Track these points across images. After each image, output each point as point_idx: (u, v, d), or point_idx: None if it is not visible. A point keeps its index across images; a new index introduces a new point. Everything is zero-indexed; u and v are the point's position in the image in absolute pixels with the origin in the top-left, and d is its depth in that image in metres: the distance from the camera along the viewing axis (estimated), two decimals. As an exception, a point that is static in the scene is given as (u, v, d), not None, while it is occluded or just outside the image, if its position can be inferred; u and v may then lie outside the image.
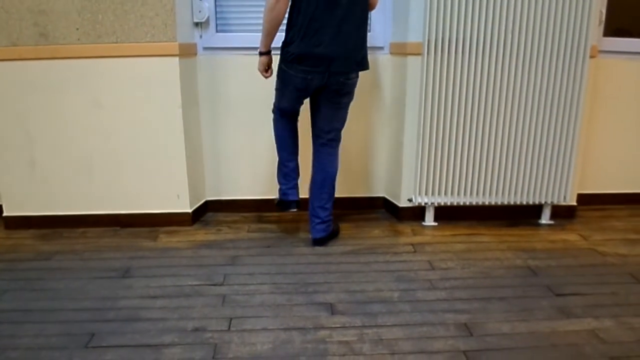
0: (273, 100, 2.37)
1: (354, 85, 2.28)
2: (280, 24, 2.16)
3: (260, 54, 2.28)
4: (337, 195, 2.83)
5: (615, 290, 2.02)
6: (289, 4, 2.12)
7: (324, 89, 2.22)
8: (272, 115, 2.40)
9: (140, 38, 2.45)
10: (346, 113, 2.37)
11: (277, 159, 2.43)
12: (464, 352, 1.62)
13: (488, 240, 2.51)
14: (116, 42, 2.45)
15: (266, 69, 2.34)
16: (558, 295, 1.98)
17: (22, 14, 2.42)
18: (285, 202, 2.43)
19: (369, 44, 2.71)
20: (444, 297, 1.96)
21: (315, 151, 2.41)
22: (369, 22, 2.72)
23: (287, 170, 2.41)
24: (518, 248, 2.42)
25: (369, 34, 2.71)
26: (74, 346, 1.66)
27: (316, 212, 2.41)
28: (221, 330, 1.74)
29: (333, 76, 2.17)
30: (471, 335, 1.71)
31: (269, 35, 2.20)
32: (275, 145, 2.42)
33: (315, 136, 2.39)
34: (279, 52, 2.22)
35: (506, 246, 2.44)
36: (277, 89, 2.32)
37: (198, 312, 1.86)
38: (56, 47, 2.46)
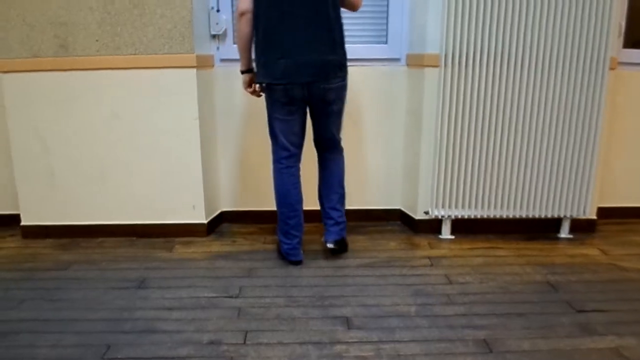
0: (272, 153, 2.33)
1: (340, 90, 2.21)
2: (249, 41, 2.19)
3: (241, 72, 2.31)
4: (353, 207, 2.83)
5: (637, 307, 1.97)
6: (251, 22, 2.13)
7: (311, 100, 2.18)
8: (273, 169, 2.33)
9: (158, 50, 2.48)
10: (340, 119, 2.32)
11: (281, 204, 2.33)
12: (484, 369, 1.59)
13: (506, 255, 2.48)
14: (134, 54, 2.48)
15: (249, 86, 2.34)
16: (579, 311, 1.94)
17: (43, 26, 2.45)
18: (288, 260, 2.38)
19: (385, 55, 2.74)
20: (462, 312, 1.93)
21: (319, 155, 2.40)
22: (384, 34, 2.74)
23: (288, 228, 2.32)
24: (537, 262, 2.38)
25: (385, 45, 2.74)
26: (91, 357, 1.65)
27: (328, 213, 2.39)
28: (237, 344, 1.73)
29: (312, 85, 2.13)
30: (491, 351, 1.68)
31: (243, 54, 2.23)
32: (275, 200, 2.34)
33: (316, 144, 2.38)
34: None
35: (525, 260, 2.40)
36: (269, 121, 2.27)
37: (214, 325, 1.85)
38: (75, 59, 2.49)
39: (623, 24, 2.70)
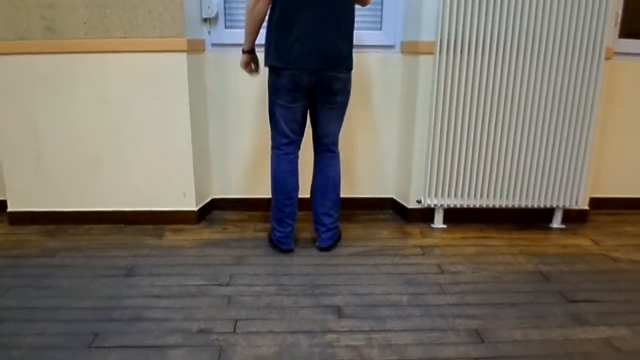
0: (271, 139, 2.28)
1: (346, 82, 2.19)
2: (261, 23, 2.13)
3: (243, 52, 2.25)
4: (344, 195, 2.79)
5: (629, 298, 1.97)
6: (270, 4, 2.08)
7: (318, 89, 2.14)
8: (271, 155, 2.29)
9: (148, 33, 2.42)
10: (343, 115, 2.28)
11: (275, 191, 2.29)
12: (475, 359, 1.58)
13: (498, 244, 2.47)
14: (124, 37, 2.42)
15: (247, 65, 2.30)
16: (571, 301, 1.94)
17: (29, 7, 2.39)
18: (278, 248, 2.35)
19: (379, 42, 2.70)
20: (454, 302, 1.92)
21: (316, 157, 2.35)
22: (379, 20, 2.70)
23: (282, 216, 2.28)
24: (529, 252, 2.38)
25: (379, 32, 2.70)
26: (78, 346, 1.63)
27: (320, 219, 2.35)
28: (226, 332, 1.71)
29: (321, 73, 2.10)
30: (482, 341, 1.67)
31: (251, 34, 2.18)
32: (270, 187, 2.30)
33: (316, 142, 2.33)
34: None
35: (517, 250, 2.40)
36: (270, 107, 2.22)
37: (203, 313, 1.83)
38: (63, 42, 2.43)
39: (620, 12, 2.68)
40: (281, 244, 2.33)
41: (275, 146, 2.27)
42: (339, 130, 2.32)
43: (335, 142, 2.33)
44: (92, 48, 2.44)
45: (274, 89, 2.17)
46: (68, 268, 2.18)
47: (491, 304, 1.91)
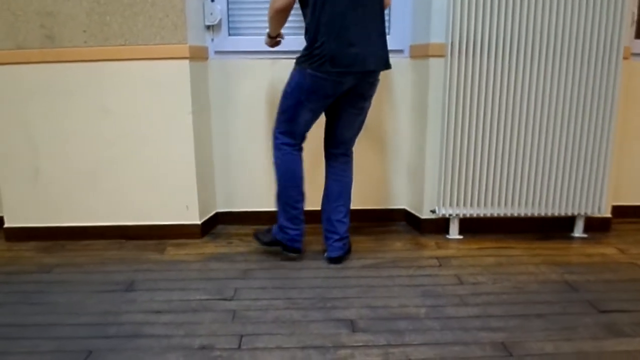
0: (277, 129, 2.18)
1: (377, 87, 2.15)
2: (287, 16, 2.09)
3: (270, 36, 2.23)
4: (355, 206, 2.67)
5: (664, 307, 1.83)
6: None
7: (349, 93, 2.08)
8: (276, 147, 2.19)
9: (149, 40, 2.35)
10: (364, 120, 2.23)
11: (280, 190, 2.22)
12: (504, 374, 1.44)
13: (519, 254, 2.33)
14: (124, 45, 2.35)
15: (274, 45, 2.30)
16: (602, 312, 1.79)
17: (28, 15, 2.33)
18: (290, 247, 2.26)
19: (388, 47, 2.60)
20: (476, 314, 1.78)
21: (330, 163, 2.26)
22: (387, 24, 2.63)
23: (296, 213, 2.19)
24: (552, 262, 2.24)
25: (387, 36, 2.61)
26: (70, 365, 1.50)
27: (334, 226, 2.23)
28: (230, 349, 1.58)
29: (364, 77, 2.04)
30: (511, 355, 1.52)
31: (276, 27, 2.15)
32: (278, 183, 2.19)
33: (332, 147, 2.24)
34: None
35: (540, 260, 2.26)
36: (292, 108, 2.11)
37: (206, 329, 1.70)
38: (62, 50, 2.36)
39: (636, 12, 2.58)
40: (295, 243, 2.23)
41: (284, 143, 2.17)
42: (358, 135, 2.26)
43: (352, 147, 2.27)
44: (92, 56, 2.36)
45: (307, 93, 2.05)
46: (64, 284, 2.06)
47: (516, 316, 1.77)
